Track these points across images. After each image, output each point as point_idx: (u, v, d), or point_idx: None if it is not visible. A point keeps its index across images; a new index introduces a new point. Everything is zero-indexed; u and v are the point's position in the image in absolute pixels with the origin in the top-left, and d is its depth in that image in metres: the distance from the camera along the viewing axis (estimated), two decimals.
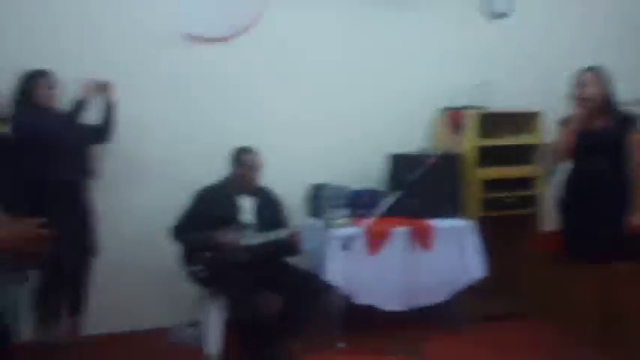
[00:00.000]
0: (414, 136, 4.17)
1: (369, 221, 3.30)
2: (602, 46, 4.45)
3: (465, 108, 3.97)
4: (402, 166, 3.83)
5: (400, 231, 3.50)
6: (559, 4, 4.55)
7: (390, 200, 3.35)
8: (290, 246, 3.32)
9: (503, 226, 3.92)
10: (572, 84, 3.23)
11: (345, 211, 3.56)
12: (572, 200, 3.26)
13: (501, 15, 4.35)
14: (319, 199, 3.78)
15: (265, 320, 3.10)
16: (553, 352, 3.37)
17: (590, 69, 3.19)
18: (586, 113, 3.14)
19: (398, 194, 3.38)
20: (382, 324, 3.54)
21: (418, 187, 3.47)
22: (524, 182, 3.96)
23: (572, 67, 4.05)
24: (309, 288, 3.30)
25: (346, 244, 3.26)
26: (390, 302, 3.48)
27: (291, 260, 3.45)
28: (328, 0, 4.03)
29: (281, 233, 3.28)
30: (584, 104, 3.15)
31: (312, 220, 3.68)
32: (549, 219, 4.08)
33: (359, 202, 3.74)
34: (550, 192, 4.10)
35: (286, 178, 3.76)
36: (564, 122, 3.28)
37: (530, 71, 4.38)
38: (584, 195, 3.17)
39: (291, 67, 3.97)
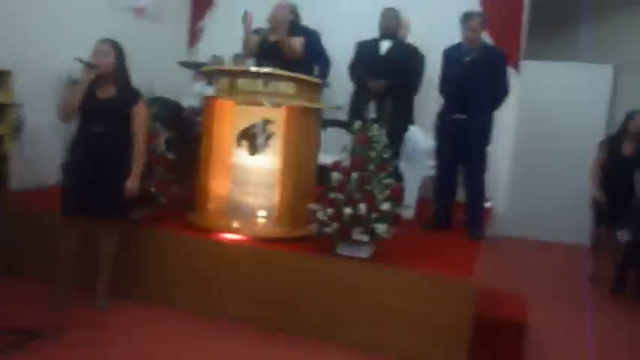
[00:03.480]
0: None
1: None
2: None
3: None
4: None
5: None
6: None
7: None
8: None
9: None
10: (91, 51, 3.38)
11: None
12: (73, 160, 3.44)
13: None
14: None
15: None
16: (30, 303, 3.51)
17: (105, 40, 3.40)
18: (92, 79, 3.33)
19: None
20: None
21: None
22: None
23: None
24: None
25: None
26: None
27: None
28: None
29: None
30: (92, 71, 3.32)
31: None
32: (20, 178, 4.16)
33: None
34: (18, 152, 4.18)
35: None
36: (74, 84, 3.38)
37: (2, 25, 4.23)
38: (86, 157, 3.38)
39: None
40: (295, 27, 4.35)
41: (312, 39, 5.25)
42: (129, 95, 3.47)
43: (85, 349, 3.03)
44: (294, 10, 4.43)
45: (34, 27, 4.50)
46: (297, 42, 4.24)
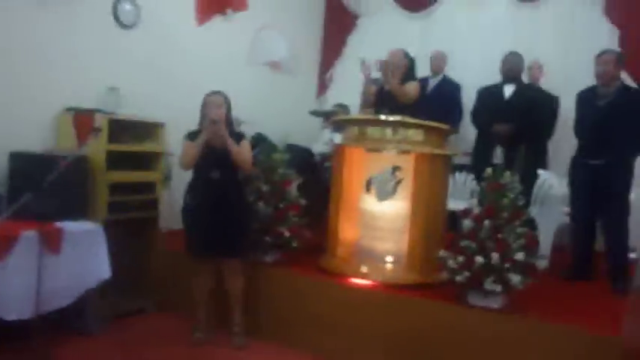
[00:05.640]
0: (34, 135, 3.98)
1: None
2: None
3: (93, 111, 4.01)
4: (25, 165, 3.63)
5: (29, 235, 3.31)
6: (178, 20, 5.06)
7: (22, 202, 3.16)
8: None
9: (128, 228, 4.13)
10: (202, 103, 3.68)
11: None
12: (193, 204, 3.70)
13: (129, 26, 4.55)
14: None
15: None
16: (175, 338, 3.79)
17: (217, 93, 3.68)
18: (214, 131, 3.57)
19: (29, 196, 3.21)
20: (6, 335, 3.29)
21: (47, 188, 3.37)
22: (147, 186, 4.27)
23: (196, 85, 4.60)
24: None
25: None
26: (15, 311, 3.24)
27: None
28: None
29: None
30: (216, 123, 3.57)
31: None
32: (167, 220, 4.54)
33: None
34: (166, 196, 4.57)
35: None
36: (189, 136, 3.70)
37: (155, 82, 4.73)
38: (205, 201, 3.64)
39: None
40: (410, 76, 4.34)
41: (452, 90, 5.33)
42: (236, 139, 3.67)
43: None
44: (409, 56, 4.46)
45: (182, 84, 4.96)
46: (411, 87, 4.19)
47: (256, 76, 5.88)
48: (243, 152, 3.66)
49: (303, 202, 4.14)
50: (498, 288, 3.24)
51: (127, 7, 4.52)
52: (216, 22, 5.31)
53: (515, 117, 4.55)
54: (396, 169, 3.79)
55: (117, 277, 3.80)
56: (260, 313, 3.91)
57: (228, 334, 3.77)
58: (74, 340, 3.61)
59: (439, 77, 5.73)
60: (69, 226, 3.57)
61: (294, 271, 3.98)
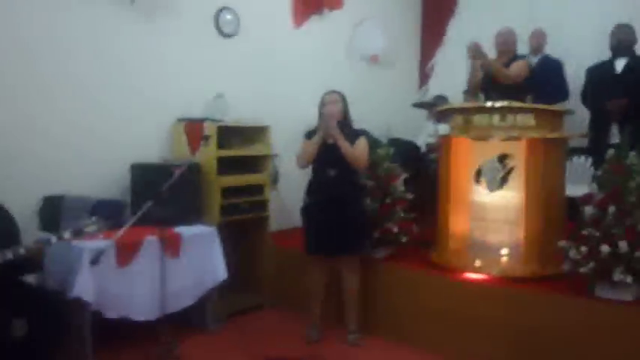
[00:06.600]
0: (151, 146, 4.23)
1: (121, 232, 3.26)
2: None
3: (202, 120, 4.19)
4: (145, 175, 3.87)
5: (151, 240, 3.52)
6: (275, 25, 5.12)
7: (143, 209, 3.36)
8: (30, 262, 3.05)
9: (238, 228, 4.28)
10: (319, 103, 3.72)
11: (94, 221, 3.45)
12: (311, 202, 3.74)
13: (230, 34, 4.70)
14: (58, 210, 3.54)
15: (8, 347, 2.82)
16: (290, 334, 3.87)
17: (334, 92, 3.71)
18: (327, 127, 3.59)
19: (150, 203, 3.40)
20: (134, 335, 3.53)
21: (164, 196, 3.56)
22: (257, 188, 4.39)
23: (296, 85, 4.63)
24: (55, 308, 3.10)
25: (96, 257, 3.15)
26: (142, 312, 3.47)
27: (31, 279, 3.18)
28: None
29: (18, 249, 2.98)
30: (328, 120, 3.60)
31: (49, 235, 3.43)
32: (276, 220, 4.64)
33: (103, 213, 3.61)
34: (275, 197, 4.67)
35: (15, 188, 3.44)
36: (308, 135, 3.75)
37: (258, 86, 4.85)
38: (322, 199, 3.66)
39: (27, 66, 3.62)
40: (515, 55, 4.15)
41: (554, 68, 5.03)
42: (353, 136, 3.65)
43: None
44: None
45: (282, 86, 5.06)
46: (515, 67, 4.00)
47: (355, 72, 5.84)
48: (356, 150, 3.61)
49: (409, 196, 4.06)
50: (629, 278, 2.99)
51: (228, 16, 4.67)
52: (312, 21, 5.35)
53: (630, 92, 4.21)
54: (503, 157, 3.61)
55: (230, 275, 3.93)
56: (373, 309, 3.89)
57: (344, 331, 3.79)
58: (194, 337, 3.78)
59: (539, 56, 5.37)
60: (186, 230, 3.76)
61: (405, 267, 3.92)
